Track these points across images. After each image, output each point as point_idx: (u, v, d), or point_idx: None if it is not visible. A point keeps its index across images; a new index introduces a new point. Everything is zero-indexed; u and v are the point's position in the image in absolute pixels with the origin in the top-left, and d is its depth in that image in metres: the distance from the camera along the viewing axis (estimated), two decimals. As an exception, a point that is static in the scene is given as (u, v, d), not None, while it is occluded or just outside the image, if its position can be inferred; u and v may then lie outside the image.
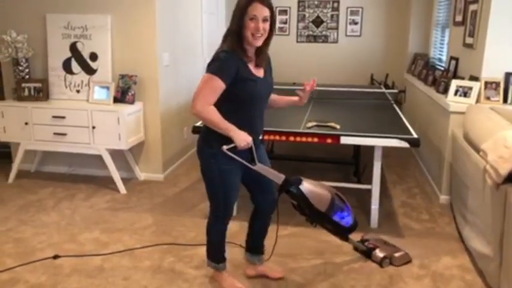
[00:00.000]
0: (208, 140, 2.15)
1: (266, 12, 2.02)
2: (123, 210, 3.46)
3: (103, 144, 3.72)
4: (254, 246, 2.57)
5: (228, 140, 2.06)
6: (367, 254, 2.77)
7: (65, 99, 3.97)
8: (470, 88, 3.57)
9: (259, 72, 2.15)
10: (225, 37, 2.10)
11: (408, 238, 3.03)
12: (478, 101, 3.51)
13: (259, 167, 2.17)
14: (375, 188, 3.13)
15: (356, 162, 4.11)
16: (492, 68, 3.50)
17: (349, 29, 6.35)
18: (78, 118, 3.71)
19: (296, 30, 6.50)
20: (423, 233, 3.12)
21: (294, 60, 6.46)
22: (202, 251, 2.83)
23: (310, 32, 6.48)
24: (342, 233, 2.43)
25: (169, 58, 4.13)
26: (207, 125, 2.12)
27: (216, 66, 2.01)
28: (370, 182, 3.16)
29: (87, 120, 3.70)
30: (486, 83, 3.51)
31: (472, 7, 3.82)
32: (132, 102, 3.85)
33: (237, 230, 3.13)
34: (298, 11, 6.47)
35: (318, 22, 6.46)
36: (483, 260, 2.51)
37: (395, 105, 4.08)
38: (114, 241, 2.97)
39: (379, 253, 2.72)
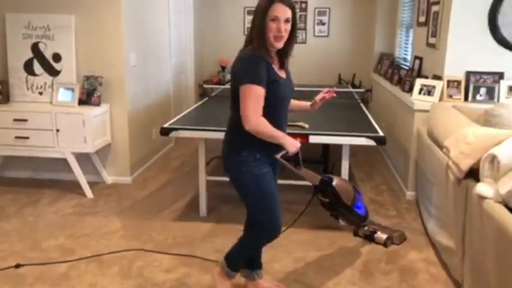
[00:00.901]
0: (237, 148, 2.06)
1: (288, 13, 1.95)
2: (90, 215, 3.37)
3: (68, 147, 3.62)
4: (253, 259, 2.39)
5: (258, 145, 2.00)
6: (369, 237, 2.93)
7: (26, 102, 3.83)
8: (434, 87, 3.67)
9: (283, 74, 2.09)
10: (249, 38, 2.01)
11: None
12: (441, 99, 3.61)
13: (303, 171, 2.13)
14: (344, 186, 3.17)
15: (325, 161, 4.15)
16: (454, 67, 3.61)
17: (317, 29, 6.42)
18: (41, 121, 3.59)
19: (265, 31, 6.52)
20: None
21: (263, 60, 6.48)
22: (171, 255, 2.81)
23: (279, 33, 6.52)
24: (360, 221, 2.43)
25: (136, 58, 4.07)
26: (234, 133, 2.06)
27: (251, 74, 1.93)
28: (338, 180, 3.20)
29: (51, 123, 3.59)
30: (448, 81, 3.62)
31: (434, 8, 3.93)
32: (98, 104, 3.76)
33: (208, 230, 3.11)
34: (267, 11, 6.49)
35: (286, 22, 6.50)
36: (447, 253, 2.58)
37: (362, 105, 4.15)
38: (81, 247, 2.89)
39: (381, 235, 2.90)
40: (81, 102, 3.74)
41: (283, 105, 2.12)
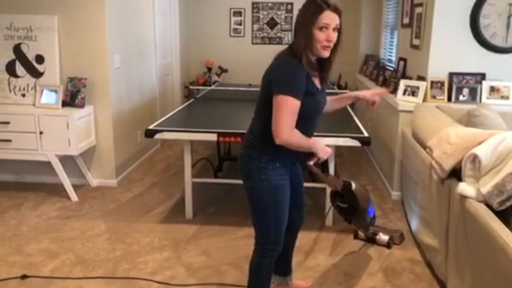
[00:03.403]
0: (257, 153, 1.94)
1: (337, 20, 1.82)
2: (75, 218, 3.33)
3: (52, 150, 3.57)
4: (286, 265, 2.38)
5: (280, 153, 1.90)
6: (371, 240, 2.93)
7: (9, 104, 3.77)
8: (418, 87, 3.71)
9: (318, 83, 1.96)
10: (294, 46, 1.87)
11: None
12: (425, 99, 3.65)
13: (329, 177, 2.11)
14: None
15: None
16: (437, 68, 3.66)
17: (303, 30, 6.43)
18: (24, 123, 3.54)
19: (251, 32, 6.53)
20: (376, 229, 3.21)
21: (249, 61, 6.48)
22: (157, 256, 2.79)
23: (265, 34, 6.53)
24: (370, 225, 2.41)
25: (120, 60, 4.03)
26: (256, 138, 1.94)
27: (290, 84, 1.80)
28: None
29: (34, 125, 3.54)
30: (432, 82, 3.66)
31: (418, 10, 3.97)
32: (82, 105, 3.72)
33: (193, 232, 3.10)
34: (253, 12, 6.50)
35: (272, 24, 6.52)
36: (431, 252, 2.61)
37: (347, 106, 4.16)
38: (65, 251, 2.85)
39: (383, 236, 2.90)
40: (65, 104, 3.69)
41: (317, 118, 2.00)
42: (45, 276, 2.56)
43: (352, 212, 2.21)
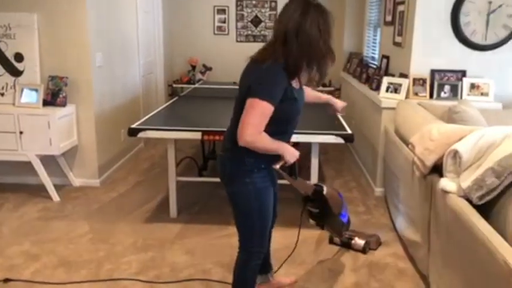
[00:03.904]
0: (241, 156, 1.87)
1: None
2: (57, 219, 3.28)
3: (32, 150, 3.51)
4: (266, 263, 2.37)
5: (264, 154, 1.84)
6: (346, 245, 2.85)
7: (-13, 104, 3.70)
8: (400, 85, 3.75)
9: (297, 83, 1.91)
10: (276, 55, 1.80)
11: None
12: (407, 96, 3.69)
13: (298, 182, 2.04)
14: (313, 183, 3.19)
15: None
16: (419, 66, 3.70)
17: (287, 28, 6.44)
18: (3, 123, 3.47)
19: (235, 30, 6.51)
20: (360, 225, 3.23)
21: (234, 59, 6.46)
22: (141, 256, 2.77)
23: (249, 32, 6.52)
24: (344, 229, 2.39)
25: (102, 58, 3.98)
26: (236, 141, 1.82)
27: (267, 91, 1.75)
28: (308, 177, 3.22)
29: (14, 125, 3.47)
30: (414, 79, 3.70)
31: (400, 8, 4.01)
32: (63, 104, 3.67)
33: (178, 231, 3.08)
34: (237, 10, 6.48)
35: (256, 22, 6.51)
36: (413, 247, 2.64)
37: (331, 103, 4.19)
38: (47, 253, 2.81)
39: (359, 241, 2.81)
40: (46, 103, 3.63)
41: (297, 118, 1.97)
42: (27, 280, 2.52)
43: (324, 217, 2.17)
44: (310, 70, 1.87)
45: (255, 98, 1.74)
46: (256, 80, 1.79)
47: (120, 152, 4.46)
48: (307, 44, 1.78)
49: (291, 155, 1.88)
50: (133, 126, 3.11)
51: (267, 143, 1.80)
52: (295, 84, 1.88)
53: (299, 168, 2.01)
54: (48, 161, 3.73)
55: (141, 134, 3.05)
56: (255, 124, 1.74)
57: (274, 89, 1.77)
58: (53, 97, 3.66)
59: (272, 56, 1.80)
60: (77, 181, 3.95)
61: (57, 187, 3.72)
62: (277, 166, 1.87)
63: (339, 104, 2.33)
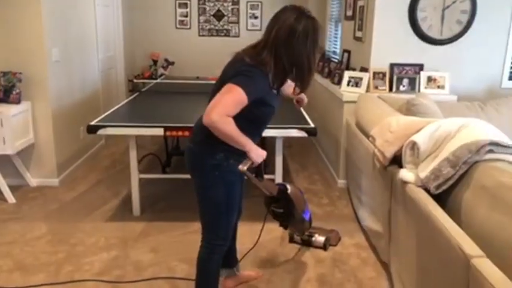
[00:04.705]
0: (211, 149, 1.85)
1: None
2: (13, 221, 3.15)
3: (-16, 149, 3.35)
4: (232, 257, 2.40)
5: (234, 149, 1.81)
6: (307, 242, 2.83)
7: None
8: (361, 79, 3.82)
9: (276, 90, 1.93)
10: (264, 62, 1.79)
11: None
12: (368, 90, 3.77)
13: (264, 183, 2.00)
14: (278, 177, 3.21)
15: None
16: (379, 60, 3.78)
17: (249, 23, 6.44)
18: (-48, 122, 3.29)
19: (197, 24, 6.43)
20: (324, 216, 3.28)
21: (196, 54, 6.39)
22: (104, 256, 2.70)
23: (212, 26, 6.46)
24: (307, 228, 2.39)
25: (59, 53, 3.83)
26: (210, 133, 1.76)
27: (245, 81, 1.74)
28: (273, 172, 3.24)
29: (-37, 123, 3.30)
30: (374, 73, 3.78)
31: (360, 2, 4.08)
32: (17, 101, 3.51)
33: (142, 229, 3.03)
34: (199, 4, 6.40)
35: (219, 16, 6.46)
36: (375, 237, 2.71)
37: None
38: (2, 256, 2.69)
39: (319, 238, 2.80)
40: (-2, 100, 3.47)
41: (266, 124, 1.99)
42: (-20, 283, 2.41)
43: (288, 216, 2.17)
44: (293, 79, 1.90)
45: (234, 84, 1.73)
46: (241, 71, 1.77)
47: (79, 150, 4.32)
48: (296, 56, 1.80)
49: (258, 155, 1.83)
50: (92, 123, 3.02)
51: (232, 130, 1.73)
52: (275, 90, 1.90)
53: (265, 163, 2.00)
54: (2, 161, 3.57)
55: (100, 131, 2.97)
56: (225, 105, 1.70)
57: (254, 87, 1.77)
58: (6, 94, 3.49)
59: (261, 62, 1.80)
60: (34, 181, 3.80)
61: (13, 188, 3.57)
62: (245, 168, 1.82)
63: (306, 99, 2.36)
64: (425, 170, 2.05)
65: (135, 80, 5.72)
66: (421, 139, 2.16)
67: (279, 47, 1.79)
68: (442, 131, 2.16)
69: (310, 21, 1.81)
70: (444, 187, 1.94)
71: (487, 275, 1.37)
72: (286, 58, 1.80)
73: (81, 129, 4.29)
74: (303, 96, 2.33)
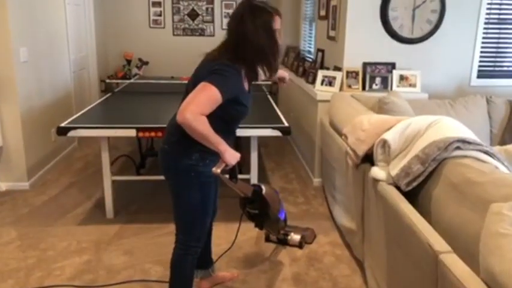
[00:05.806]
0: (187, 149, 1.84)
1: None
2: (-20, 227, 3.05)
3: (-51, 153, 3.23)
4: (207, 258, 2.39)
5: (210, 150, 1.79)
6: (283, 241, 2.82)
7: None
8: (334, 78, 3.85)
9: (247, 86, 1.94)
10: (236, 55, 1.83)
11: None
12: (341, 89, 3.80)
13: (239, 184, 1.97)
14: (253, 176, 3.21)
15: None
16: (352, 59, 3.82)
17: (224, 22, 6.41)
18: None
19: (172, 23, 6.38)
20: (299, 215, 3.30)
21: (171, 53, 6.33)
22: (76, 260, 2.64)
23: (187, 25, 6.41)
24: (282, 228, 2.38)
25: (28, 53, 3.73)
26: (185, 133, 1.74)
27: (220, 79, 1.75)
28: (248, 171, 3.23)
29: None
30: (347, 72, 3.82)
31: (333, 2, 4.11)
32: (-17, 103, 3.40)
33: (115, 232, 2.98)
34: (173, 3, 6.34)
35: (193, 15, 6.41)
36: (349, 235, 2.74)
37: (269, 96, 4.23)
38: (-31, 263, 2.60)
39: (295, 236, 2.80)
40: (-37, 102, 3.36)
41: (239, 122, 2.01)
42: None
43: (264, 217, 2.17)
44: (262, 68, 1.94)
45: (208, 83, 1.73)
46: (215, 70, 1.78)
47: (51, 153, 4.22)
48: (257, 46, 1.83)
49: (232, 156, 1.81)
50: (62, 125, 2.95)
51: (206, 129, 1.71)
52: (246, 86, 1.92)
53: (239, 164, 1.99)
54: (-31, 164, 3.45)
55: (71, 133, 2.90)
56: (199, 104, 1.70)
57: (229, 86, 1.78)
58: (-28, 95, 3.38)
59: (232, 60, 1.82)
60: (3, 185, 3.69)
61: (-19, 192, 3.47)
62: (218, 170, 1.80)
63: (287, 75, 2.43)
64: (396, 168, 2.08)
65: (107, 80, 5.61)
66: (392, 137, 2.19)
67: (241, 43, 1.83)
68: (412, 129, 2.19)
69: (261, 11, 1.85)
70: (414, 184, 1.97)
71: (454, 270, 1.40)
72: (250, 51, 1.83)
73: (52, 131, 4.19)
74: (282, 73, 2.35)
